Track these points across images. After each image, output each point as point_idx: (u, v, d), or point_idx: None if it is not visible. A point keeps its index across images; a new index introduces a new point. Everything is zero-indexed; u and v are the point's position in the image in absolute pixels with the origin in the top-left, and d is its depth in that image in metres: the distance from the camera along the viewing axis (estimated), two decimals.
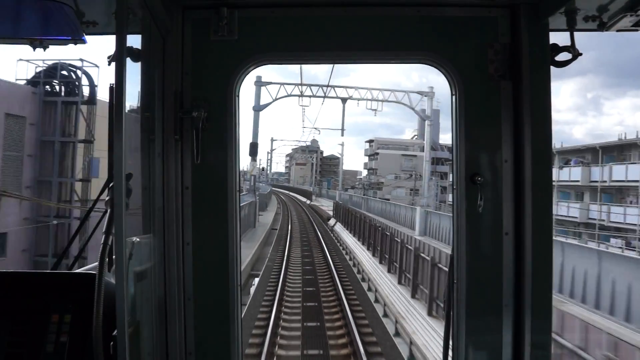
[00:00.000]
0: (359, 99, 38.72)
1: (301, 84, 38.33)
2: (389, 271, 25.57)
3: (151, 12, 2.47)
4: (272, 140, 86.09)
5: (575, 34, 2.56)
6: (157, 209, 2.68)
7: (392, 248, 25.94)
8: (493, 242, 2.73)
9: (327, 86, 38.45)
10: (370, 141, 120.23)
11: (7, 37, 2.67)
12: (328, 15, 2.78)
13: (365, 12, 2.78)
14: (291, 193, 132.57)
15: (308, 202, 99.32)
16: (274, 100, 38.76)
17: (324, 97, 38.69)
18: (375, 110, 39.31)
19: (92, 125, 28.91)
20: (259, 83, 38.47)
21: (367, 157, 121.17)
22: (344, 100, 38.91)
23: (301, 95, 38.83)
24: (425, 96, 38.13)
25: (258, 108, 39.10)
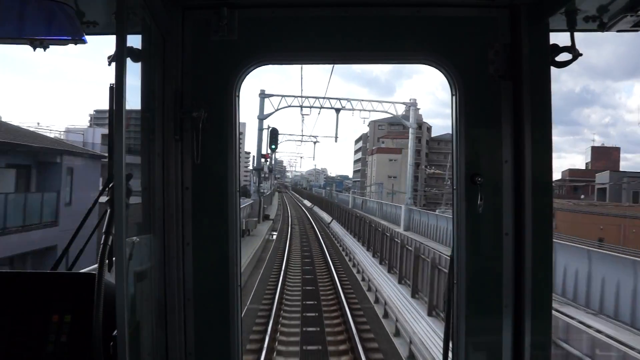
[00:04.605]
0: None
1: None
2: None
3: (151, 12, 2.47)
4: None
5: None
6: (157, 209, 2.68)
7: None
8: (493, 243, 2.73)
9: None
10: None
11: (7, 37, 2.67)
12: (328, 15, 2.78)
13: (365, 12, 2.77)
14: None
15: None
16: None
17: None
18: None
19: None
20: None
21: None
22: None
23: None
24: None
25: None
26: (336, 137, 48.24)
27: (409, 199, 44.03)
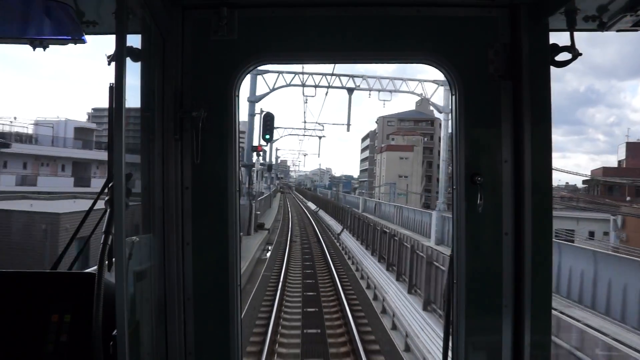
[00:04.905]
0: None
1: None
2: None
3: (151, 12, 2.47)
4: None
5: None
6: (157, 208, 2.68)
7: None
8: (493, 242, 2.73)
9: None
10: None
11: (7, 37, 2.67)
12: (328, 15, 2.78)
13: (365, 12, 2.78)
14: None
15: None
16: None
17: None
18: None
19: None
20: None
21: None
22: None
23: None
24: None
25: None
26: (348, 125, 35.95)
27: (442, 203, 33.64)
